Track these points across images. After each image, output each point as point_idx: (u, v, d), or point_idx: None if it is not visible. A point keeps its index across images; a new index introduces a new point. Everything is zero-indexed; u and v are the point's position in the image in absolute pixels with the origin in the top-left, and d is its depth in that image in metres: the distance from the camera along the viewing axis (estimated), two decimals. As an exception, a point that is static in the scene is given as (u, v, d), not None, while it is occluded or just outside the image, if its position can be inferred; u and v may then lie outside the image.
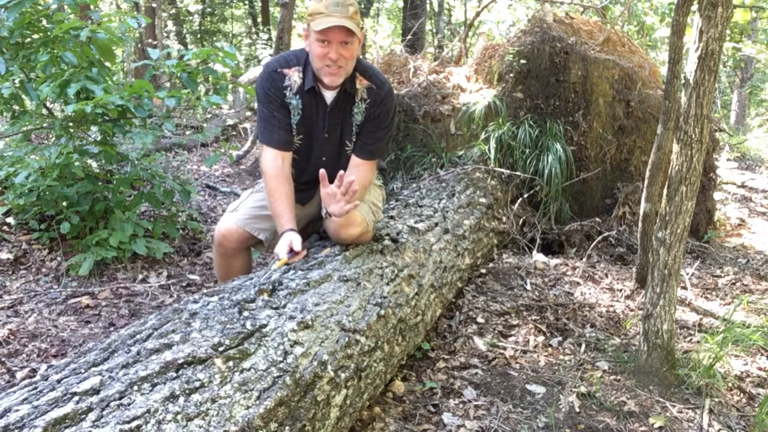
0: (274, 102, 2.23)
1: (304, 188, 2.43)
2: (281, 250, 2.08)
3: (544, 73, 4.23)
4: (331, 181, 2.44)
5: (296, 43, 7.19)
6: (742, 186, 6.66)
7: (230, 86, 3.70)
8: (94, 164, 3.63)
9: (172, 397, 1.29)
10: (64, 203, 3.28)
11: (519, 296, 3.17)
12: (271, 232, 2.37)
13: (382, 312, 2.01)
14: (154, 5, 10.70)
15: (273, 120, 2.23)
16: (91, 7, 3.78)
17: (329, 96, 2.23)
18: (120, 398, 1.25)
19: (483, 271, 3.41)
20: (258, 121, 2.31)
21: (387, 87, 2.29)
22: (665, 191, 2.37)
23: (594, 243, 3.86)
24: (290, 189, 2.23)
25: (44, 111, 3.52)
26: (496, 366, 2.51)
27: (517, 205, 3.98)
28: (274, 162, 2.22)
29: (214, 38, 15.82)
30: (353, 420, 1.87)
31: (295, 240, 2.09)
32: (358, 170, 2.28)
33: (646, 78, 4.36)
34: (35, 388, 1.30)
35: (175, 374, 1.35)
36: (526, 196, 4.10)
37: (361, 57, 2.26)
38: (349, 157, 2.36)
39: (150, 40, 10.64)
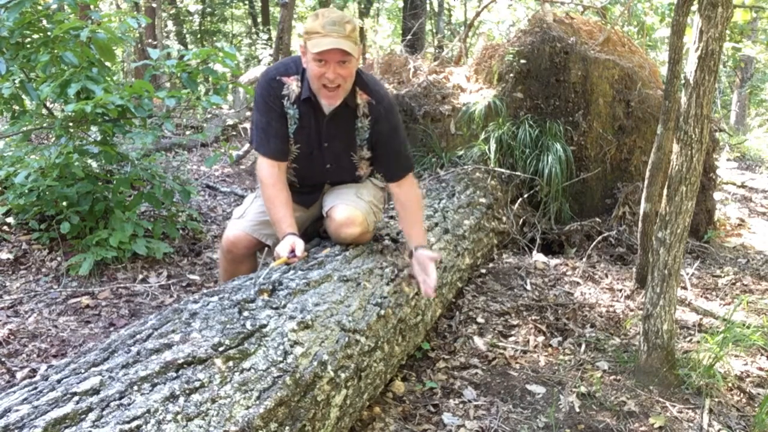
0: (272, 111, 2.19)
1: (309, 191, 2.42)
2: (283, 249, 2.08)
3: (544, 73, 4.23)
4: (336, 184, 2.44)
5: (296, 43, 7.18)
6: (742, 186, 6.65)
7: (230, 86, 3.70)
8: (94, 164, 3.63)
9: (172, 397, 1.29)
10: (64, 203, 3.28)
11: (519, 296, 3.17)
12: (278, 238, 2.37)
13: (382, 312, 2.01)
14: (154, 5, 10.70)
15: (270, 129, 2.20)
16: (91, 7, 3.78)
17: (328, 106, 2.21)
18: (120, 398, 1.25)
19: (483, 271, 3.42)
20: (254, 129, 2.26)
21: (387, 100, 2.27)
22: (665, 191, 2.36)
23: (594, 243, 3.86)
24: (288, 195, 2.21)
25: (44, 111, 3.52)
26: (496, 366, 2.51)
27: (517, 205, 3.98)
28: (270, 170, 2.20)
29: (214, 38, 15.83)
30: (353, 420, 1.87)
31: (298, 244, 2.08)
32: (404, 189, 2.28)
33: (646, 78, 4.36)
34: (35, 388, 1.30)
35: (175, 374, 1.35)
36: (526, 196, 4.09)
37: (360, 69, 2.22)
38: (355, 164, 2.36)
39: (150, 40, 10.63)
